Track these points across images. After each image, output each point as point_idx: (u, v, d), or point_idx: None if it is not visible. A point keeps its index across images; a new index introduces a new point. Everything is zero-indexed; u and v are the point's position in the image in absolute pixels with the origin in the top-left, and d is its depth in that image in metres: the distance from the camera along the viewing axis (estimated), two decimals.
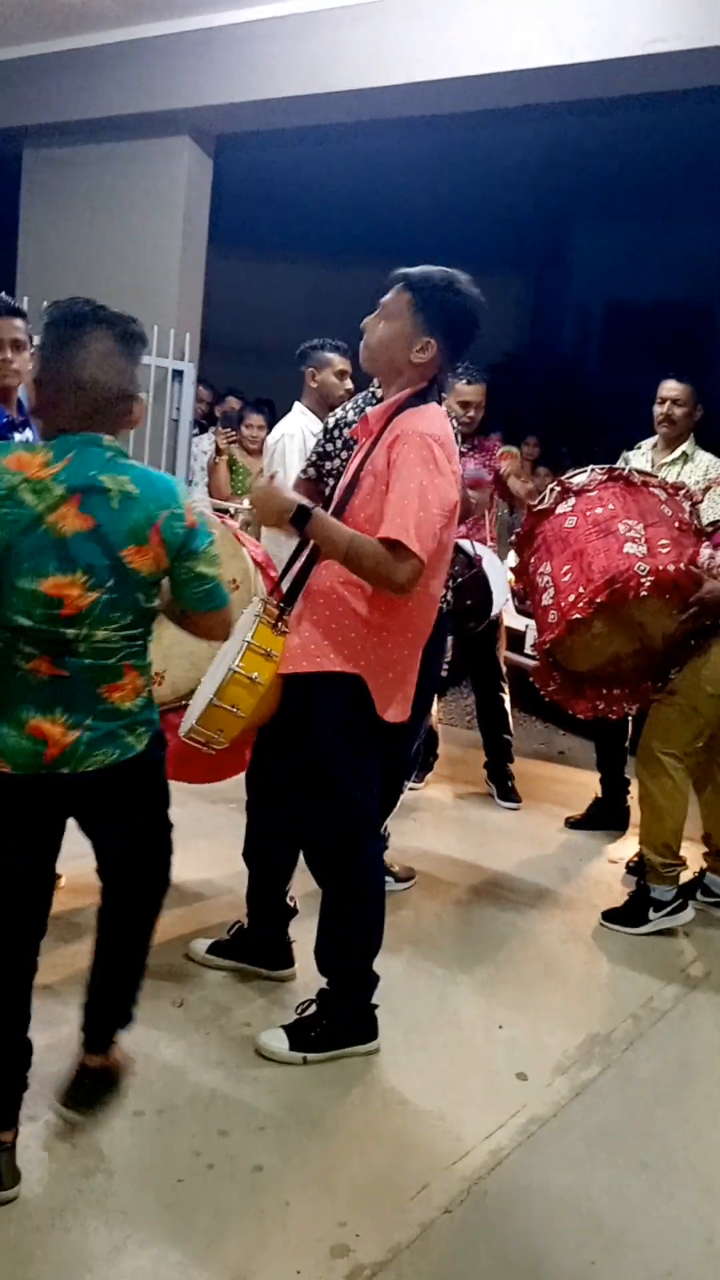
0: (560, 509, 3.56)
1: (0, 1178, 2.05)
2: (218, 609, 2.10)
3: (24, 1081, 2.12)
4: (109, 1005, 2.24)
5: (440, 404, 2.64)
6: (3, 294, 3.15)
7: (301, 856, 2.78)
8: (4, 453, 1.92)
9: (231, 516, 4.11)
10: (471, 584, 4.20)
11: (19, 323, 3.04)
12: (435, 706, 4.29)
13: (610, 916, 3.58)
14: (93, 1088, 2.21)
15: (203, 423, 7.46)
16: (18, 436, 3.10)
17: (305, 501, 2.47)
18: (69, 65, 7.12)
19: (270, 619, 2.53)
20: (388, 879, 3.66)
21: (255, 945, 2.97)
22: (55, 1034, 2.54)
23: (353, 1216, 2.11)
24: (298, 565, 2.63)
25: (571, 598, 3.38)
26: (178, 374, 6.83)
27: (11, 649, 1.94)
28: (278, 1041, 2.60)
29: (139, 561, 1.95)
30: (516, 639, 5.85)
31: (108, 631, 1.96)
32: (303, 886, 2.81)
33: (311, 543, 2.54)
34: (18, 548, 1.88)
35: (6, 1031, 2.09)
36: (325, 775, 2.55)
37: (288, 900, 2.97)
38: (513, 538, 4.23)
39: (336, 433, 3.32)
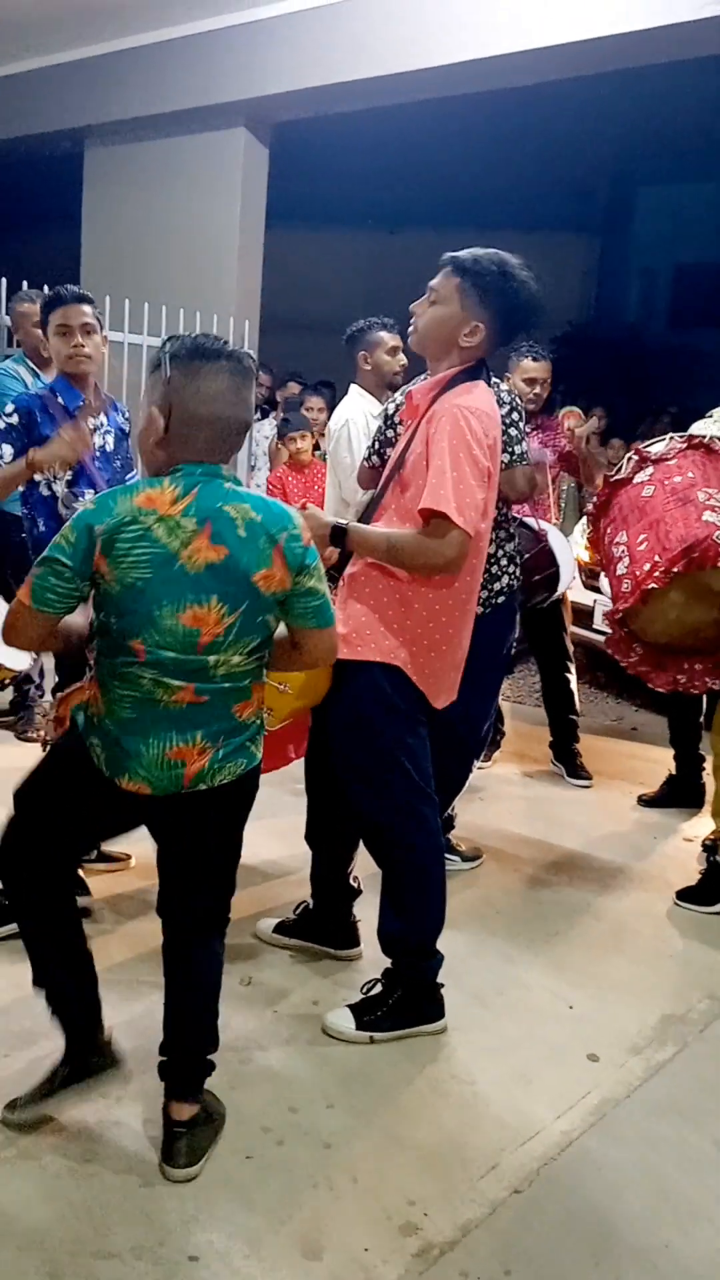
0: (638, 478, 3.49)
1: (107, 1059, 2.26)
2: (328, 625, 2.15)
3: (96, 998, 2.24)
4: (190, 1048, 2.22)
5: (490, 384, 2.62)
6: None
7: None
8: (132, 493, 1.97)
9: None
10: (538, 558, 4.16)
11: (87, 308, 3.10)
12: (503, 684, 4.25)
13: (685, 895, 3.52)
14: (193, 1142, 2.16)
15: (265, 407, 7.48)
16: (91, 421, 3.15)
17: (337, 521, 2.51)
18: (125, 64, 7.19)
19: None
20: (454, 858, 3.66)
21: (321, 925, 2.99)
22: (130, 1011, 2.60)
23: (421, 1194, 2.12)
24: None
25: (647, 566, 3.31)
26: None
27: (157, 684, 1.99)
28: (345, 1021, 2.62)
29: (267, 584, 2.01)
30: (584, 615, 5.77)
31: (241, 656, 2.03)
32: (366, 867, 2.82)
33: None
34: (156, 583, 1.94)
35: (73, 974, 2.21)
36: (378, 755, 2.55)
37: (351, 880, 2.98)
38: (589, 509, 4.17)
39: (396, 419, 3.30)
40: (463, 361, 2.52)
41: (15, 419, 3.07)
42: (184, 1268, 1.90)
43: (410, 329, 2.62)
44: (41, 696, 4.67)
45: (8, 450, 3.06)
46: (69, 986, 2.21)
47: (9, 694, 4.75)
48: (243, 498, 2.02)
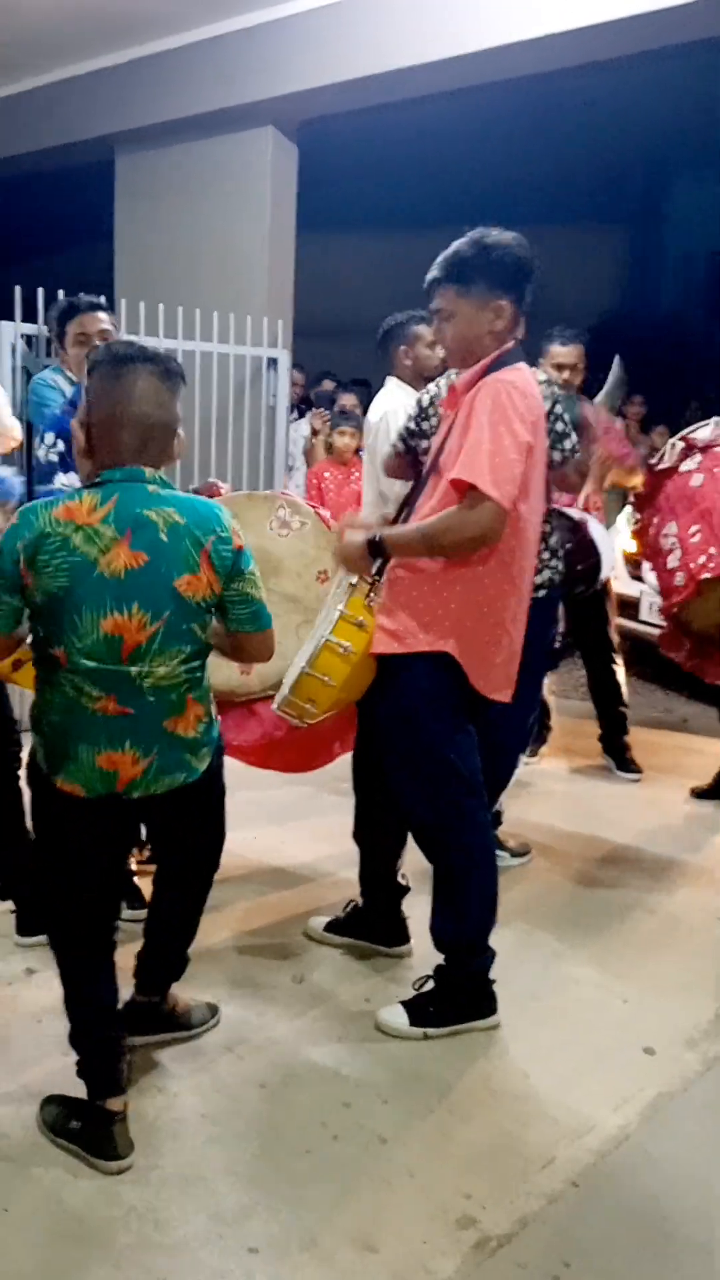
0: (685, 466, 3.46)
1: (115, 1147, 2.11)
2: (263, 630, 2.16)
3: (124, 1051, 2.23)
4: (162, 959, 2.44)
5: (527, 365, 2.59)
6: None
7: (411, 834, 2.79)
8: (51, 506, 1.99)
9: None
10: (577, 548, 4.13)
11: (104, 315, 3.13)
12: (548, 679, 4.24)
13: None
14: (136, 1021, 2.40)
15: (301, 407, 7.51)
16: None
17: (370, 535, 2.51)
18: (151, 70, 7.25)
19: (363, 591, 2.55)
20: (503, 854, 3.65)
21: (371, 922, 3.00)
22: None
23: (478, 1188, 2.12)
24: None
25: (702, 559, 3.28)
26: (272, 362, 6.88)
27: (79, 691, 2.01)
28: (398, 1018, 2.62)
29: (192, 589, 2.00)
30: (630, 606, 5.72)
31: (168, 666, 2.02)
32: (415, 864, 2.82)
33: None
34: (76, 593, 1.95)
35: (103, 1011, 2.20)
36: (426, 751, 2.54)
37: (400, 878, 2.99)
38: (632, 499, 4.12)
39: (432, 410, 3.30)
40: (499, 346, 2.50)
41: (61, 446, 3.08)
42: (243, 1260, 1.92)
43: (443, 355, 2.64)
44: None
45: (74, 477, 3.08)
46: (99, 1045, 2.20)
47: None
48: (167, 501, 2.00)
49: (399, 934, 2.98)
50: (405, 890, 2.99)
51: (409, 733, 2.55)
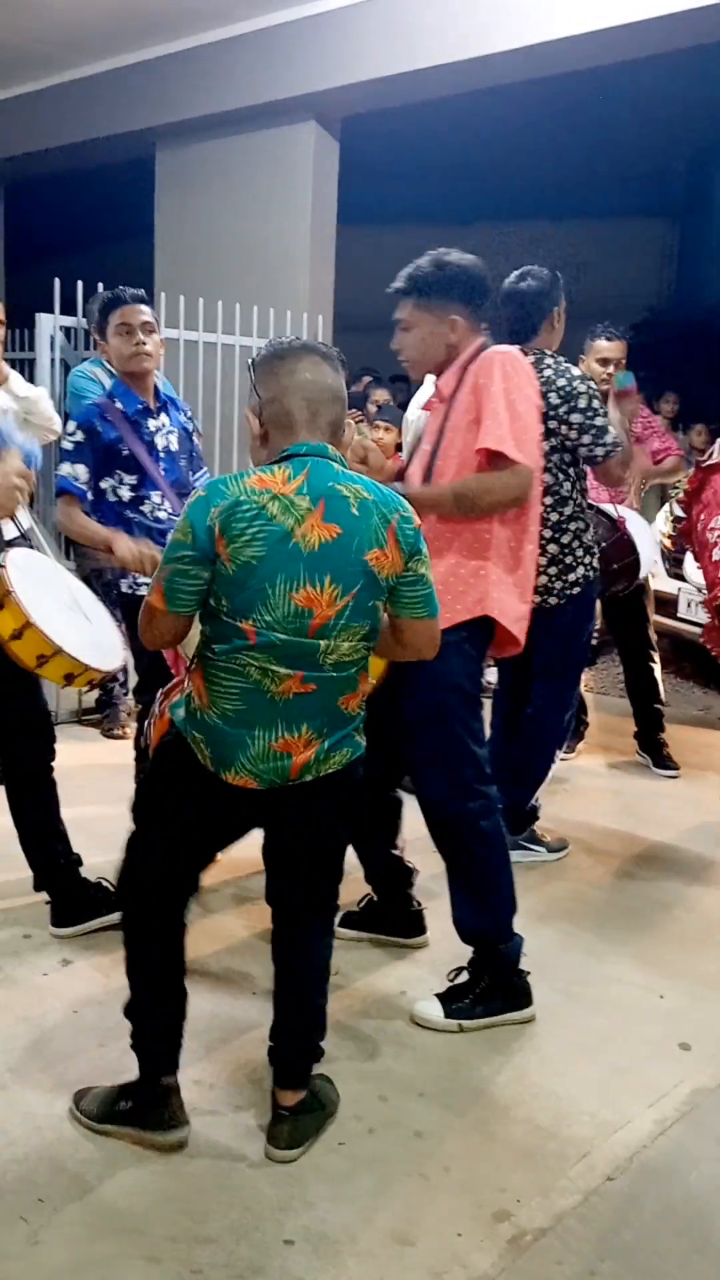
0: None
1: (175, 1118, 2.15)
2: (434, 615, 2.13)
3: (182, 1025, 2.20)
4: (300, 1036, 2.23)
5: (553, 367, 2.62)
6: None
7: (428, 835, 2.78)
8: (242, 478, 1.97)
9: None
10: (617, 546, 4.10)
11: (146, 308, 3.16)
12: (586, 675, 4.21)
13: None
14: (297, 1127, 2.18)
15: None
16: (151, 423, 3.19)
17: (396, 487, 2.52)
18: (193, 63, 7.25)
19: None
20: (539, 849, 3.64)
21: (386, 915, 3.00)
22: (216, 1003, 2.65)
23: (514, 1182, 2.11)
24: None
25: None
26: None
27: (264, 673, 1.97)
28: (433, 1010, 2.62)
29: (380, 565, 1.99)
30: (669, 603, 5.67)
31: (351, 643, 2.01)
32: (433, 866, 2.79)
33: None
34: (271, 562, 1.93)
35: (173, 987, 2.18)
36: (454, 742, 2.59)
37: (405, 862, 2.98)
38: (679, 496, 4.09)
39: (423, 407, 3.30)
40: (452, 357, 2.63)
41: (80, 435, 3.10)
42: (280, 1252, 1.92)
43: (404, 364, 2.74)
44: (126, 694, 4.76)
45: (82, 470, 3.10)
46: (161, 1022, 2.19)
47: (95, 693, 4.85)
48: (355, 479, 2.01)
49: (415, 925, 2.98)
50: (412, 872, 3.00)
51: (440, 722, 2.59)
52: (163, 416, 3.24)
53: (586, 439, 3.33)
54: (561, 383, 3.34)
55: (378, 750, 2.74)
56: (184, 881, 2.18)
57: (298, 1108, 2.19)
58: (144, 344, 3.12)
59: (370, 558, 1.97)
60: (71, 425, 3.16)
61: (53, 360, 5.21)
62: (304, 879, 2.19)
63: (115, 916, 2.94)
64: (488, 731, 3.84)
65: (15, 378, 3.68)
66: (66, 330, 5.35)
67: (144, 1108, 2.16)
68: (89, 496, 3.13)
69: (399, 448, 5.78)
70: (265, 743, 1.99)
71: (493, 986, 2.63)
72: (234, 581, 1.93)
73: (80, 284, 5.22)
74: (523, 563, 2.67)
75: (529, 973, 2.69)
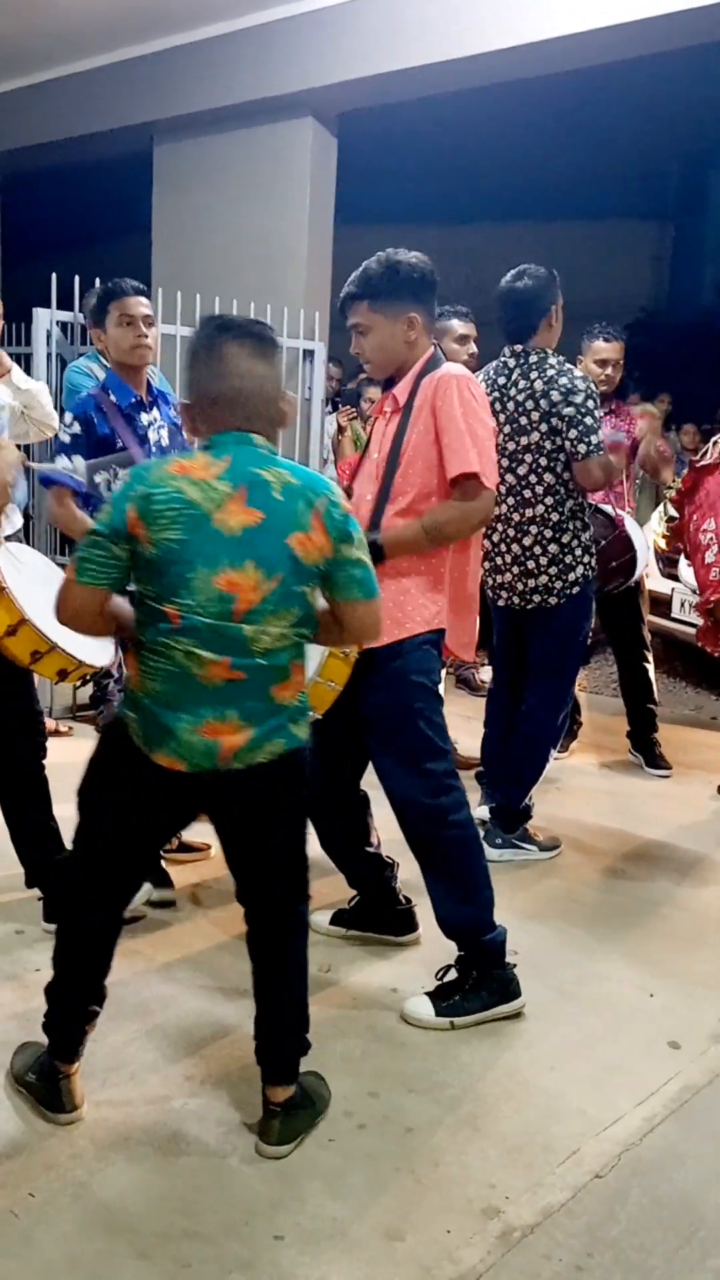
0: None
1: (63, 1103, 2.21)
2: (372, 598, 2.12)
3: (91, 1022, 2.23)
4: (284, 1031, 2.23)
5: (556, 366, 2.63)
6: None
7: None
8: (164, 463, 1.99)
9: None
10: (615, 545, 4.12)
11: (145, 300, 3.16)
12: (580, 674, 4.23)
13: None
14: (287, 1123, 2.19)
15: (336, 400, 7.51)
16: (144, 417, 3.19)
17: (373, 537, 2.56)
18: (191, 58, 7.23)
19: None
20: (532, 847, 3.66)
21: (376, 914, 3.01)
22: (209, 999, 2.65)
23: (503, 1178, 2.12)
24: None
25: None
26: (308, 354, 6.88)
27: (190, 656, 1.98)
28: (424, 1009, 2.63)
29: (305, 549, 1.99)
30: (662, 603, 5.69)
31: (280, 628, 2.01)
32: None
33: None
34: (190, 546, 1.94)
35: (92, 983, 2.21)
36: (422, 737, 2.61)
37: (384, 858, 2.99)
38: (672, 495, 4.11)
39: (370, 413, 3.32)
40: (420, 357, 2.66)
41: (77, 428, 3.09)
42: (270, 1247, 1.93)
43: (365, 367, 2.77)
44: (120, 690, 4.76)
45: (80, 461, 3.10)
46: (79, 1012, 2.22)
47: (89, 689, 4.85)
48: (280, 464, 2.01)
49: (406, 923, 2.99)
50: (393, 865, 3.00)
51: (407, 719, 2.62)
52: (154, 411, 3.24)
53: (573, 433, 3.34)
54: (564, 381, 3.36)
55: (342, 751, 2.77)
56: (121, 869, 2.17)
57: (288, 1104, 2.20)
58: (145, 336, 3.12)
59: (293, 542, 1.98)
60: (69, 417, 3.16)
61: (49, 355, 5.21)
62: (262, 873, 2.19)
63: None
64: (482, 730, 3.89)
65: (16, 371, 3.68)
66: (63, 325, 5.34)
67: (42, 1084, 2.24)
68: (85, 489, 3.13)
69: None
70: (193, 726, 2.00)
71: (481, 980, 2.65)
72: (156, 565, 1.95)
73: (77, 279, 5.22)
74: (470, 577, 2.75)
75: (515, 965, 2.71)
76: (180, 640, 1.97)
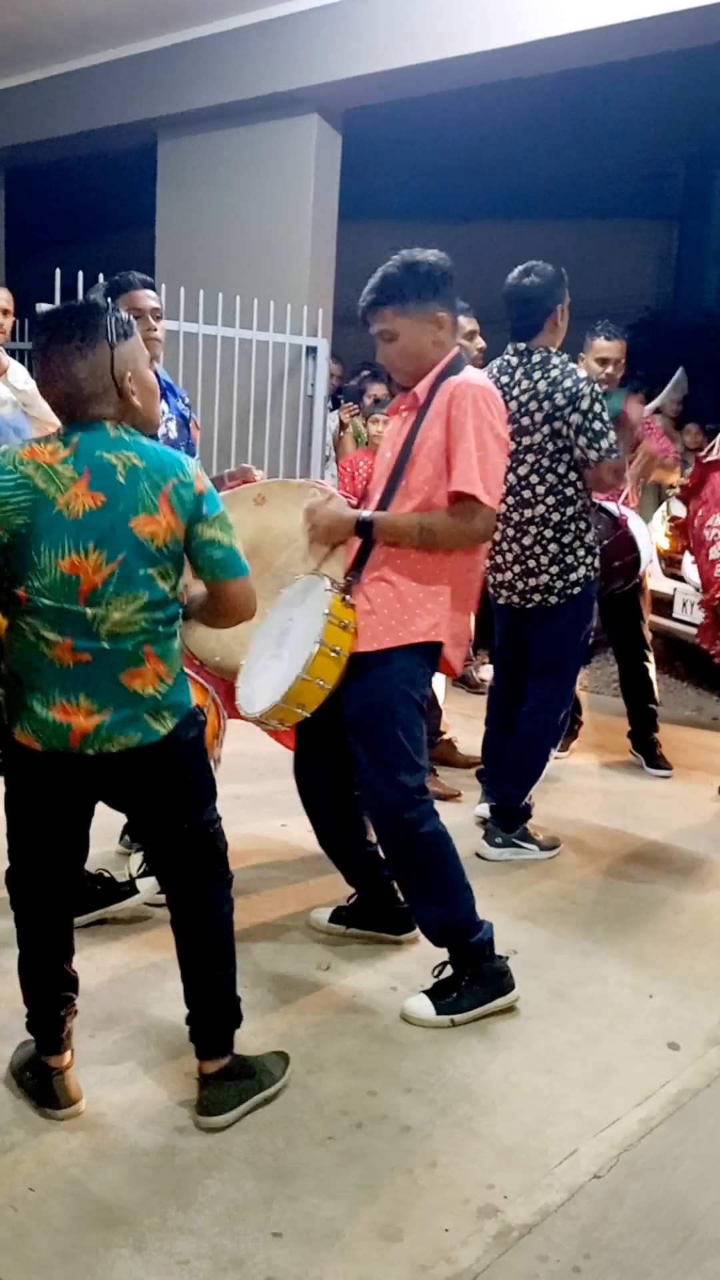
0: None
1: (58, 1099, 2.22)
2: (237, 576, 2.11)
3: (69, 1011, 2.25)
4: (206, 1007, 2.26)
5: (558, 365, 2.62)
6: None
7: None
8: (18, 447, 2.03)
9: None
10: (619, 544, 4.11)
11: (153, 293, 3.16)
12: (581, 674, 4.23)
13: None
14: (215, 1094, 2.23)
15: (337, 397, 7.50)
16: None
17: (361, 514, 2.64)
18: (197, 54, 7.23)
19: (338, 591, 2.62)
20: (532, 847, 3.65)
21: (374, 912, 3.01)
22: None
23: (500, 1178, 2.12)
24: (358, 542, 2.72)
25: None
26: (311, 350, 6.88)
27: (38, 636, 2.02)
28: (423, 1008, 2.62)
29: (148, 530, 2.00)
30: (664, 603, 5.69)
31: (124, 612, 2.01)
32: None
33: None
34: (35, 529, 1.98)
35: (52, 974, 2.23)
36: (399, 743, 2.59)
37: (379, 855, 2.96)
38: (676, 493, 4.11)
39: (385, 413, 3.31)
40: (442, 354, 2.63)
41: None
42: (265, 1245, 1.92)
43: (396, 375, 2.74)
44: None
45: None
46: (51, 1002, 2.24)
47: None
48: (129, 446, 2.02)
49: (402, 922, 2.98)
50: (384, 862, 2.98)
51: (385, 727, 2.60)
52: (162, 403, 3.24)
53: (582, 440, 3.33)
54: (568, 384, 3.34)
55: (339, 750, 2.76)
56: (39, 855, 2.18)
57: (218, 1074, 2.22)
58: (154, 329, 3.12)
59: (136, 524, 1.99)
60: None
61: None
62: (159, 852, 2.25)
63: (116, 908, 2.97)
64: (483, 728, 3.88)
65: (16, 369, 3.68)
66: None
67: (35, 1081, 2.26)
68: None
69: None
70: (45, 705, 2.04)
71: (475, 975, 2.65)
72: (6, 548, 1.99)
73: (81, 274, 5.22)
74: (472, 587, 2.74)
75: (507, 957, 2.71)
76: (29, 621, 2.02)
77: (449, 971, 2.67)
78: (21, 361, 4.14)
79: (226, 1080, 2.24)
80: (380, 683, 2.60)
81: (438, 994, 2.64)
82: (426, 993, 2.65)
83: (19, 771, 2.14)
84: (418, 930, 2.97)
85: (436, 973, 2.69)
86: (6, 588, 2.04)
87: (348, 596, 2.63)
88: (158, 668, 2.09)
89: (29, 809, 2.16)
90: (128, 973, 2.75)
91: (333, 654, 2.55)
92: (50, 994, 2.23)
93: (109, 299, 3.23)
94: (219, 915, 2.25)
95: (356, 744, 2.67)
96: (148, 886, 3.01)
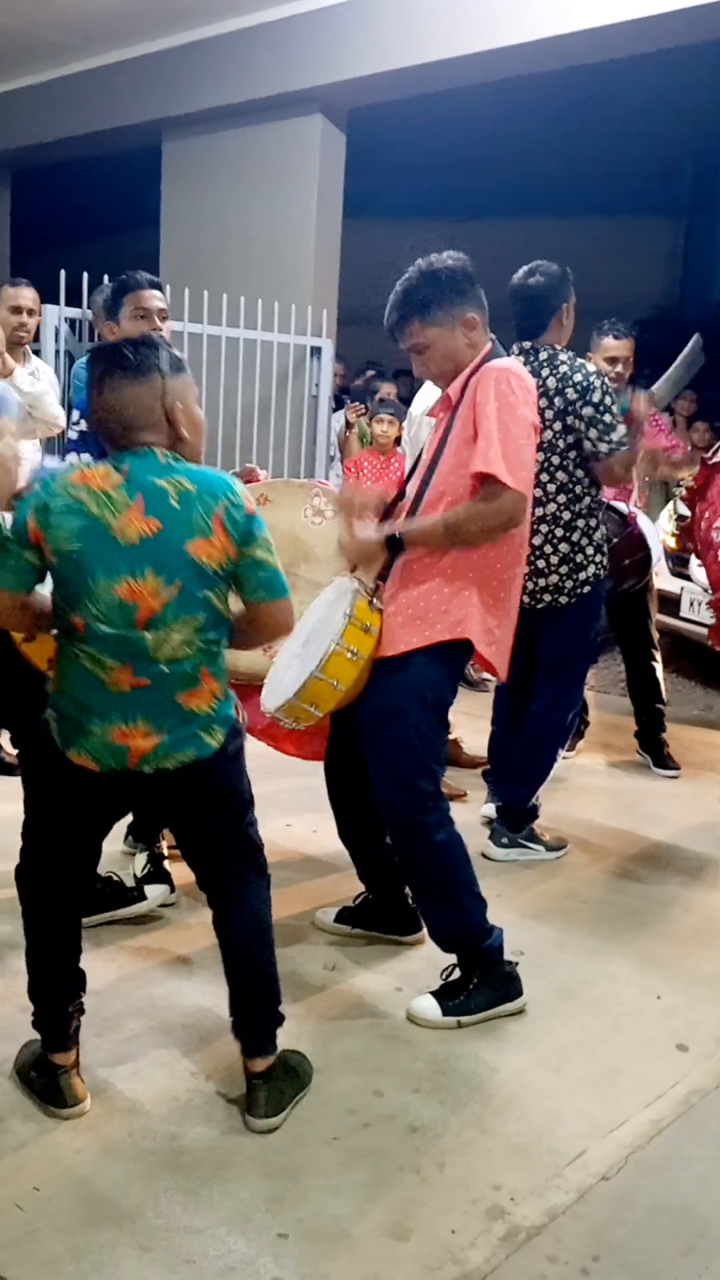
0: None
1: (64, 1098, 2.21)
2: (278, 597, 2.14)
3: (76, 1008, 2.26)
4: (254, 1004, 2.27)
5: (568, 361, 2.58)
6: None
7: None
8: (67, 472, 2.05)
9: None
10: (628, 543, 4.10)
11: (159, 294, 3.16)
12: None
13: None
14: (269, 1094, 2.22)
15: (342, 397, 7.50)
16: None
17: (387, 531, 2.58)
18: (201, 55, 7.24)
19: (366, 594, 2.59)
20: (538, 847, 3.64)
21: (381, 913, 3.00)
22: (216, 994, 2.65)
23: (508, 1179, 2.11)
24: None
25: None
26: (315, 351, 6.88)
27: (96, 663, 2.04)
28: (430, 1008, 2.62)
29: (204, 553, 2.02)
30: (671, 602, 5.67)
31: (183, 634, 2.04)
32: None
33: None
34: (90, 555, 1.99)
35: (62, 973, 2.25)
36: (415, 749, 2.57)
37: (394, 856, 2.97)
38: (682, 494, 4.09)
39: (428, 414, 3.29)
40: (478, 355, 2.59)
41: (85, 425, 3.11)
42: (272, 1244, 1.92)
43: (435, 382, 2.70)
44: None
45: (88, 459, 3.10)
46: (60, 999, 2.26)
47: None
48: (179, 471, 2.04)
49: (410, 922, 2.97)
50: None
51: (400, 731, 2.56)
52: None
53: (593, 433, 3.32)
54: (578, 378, 3.33)
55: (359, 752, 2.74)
56: (61, 858, 2.21)
57: (269, 1073, 2.23)
58: (160, 330, 3.12)
59: (192, 548, 2.01)
60: (76, 414, 3.16)
61: (57, 351, 5.21)
62: (202, 858, 2.27)
63: (123, 911, 2.97)
64: (489, 728, 3.87)
65: (21, 374, 3.69)
66: (71, 322, 5.34)
67: (42, 1080, 2.26)
68: None
69: (399, 440, 5.79)
70: (104, 730, 2.05)
71: (484, 979, 2.64)
72: (60, 575, 2.02)
73: (86, 274, 5.22)
74: (509, 587, 2.63)
75: (517, 963, 2.70)
76: (86, 648, 2.04)
77: (458, 974, 2.67)
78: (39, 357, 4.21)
79: (276, 1079, 2.24)
80: (396, 688, 2.56)
81: (445, 995, 2.63)
82: (433, 993, 2.65)
83: (62, 785, 2.14)
84: (423, 933, 2.96)
85: (445, 974, 2.68)
86: (63, 617, 2.05)
87: (375, 600, 2.59)
88: (212, 686, 2.13)
89: (61, 816, 2.18)
90: (134, 972, 2.75)
91: (350, 655, 2.51)
92: (58, 991, 2.24)
93: (113, 298, 3.24)
94: (262, 912, 2.28)
95: (370, 748, 2.63)
96: (155, 894, 3.01)
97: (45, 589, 2.13)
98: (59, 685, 2.11)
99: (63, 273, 5.22)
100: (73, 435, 3.13)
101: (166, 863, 3.14)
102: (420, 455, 2.76)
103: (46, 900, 2.23)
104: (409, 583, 2.58)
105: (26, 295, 4.26)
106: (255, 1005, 2.26)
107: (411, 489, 2.68)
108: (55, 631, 2.12)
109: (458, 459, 2.53)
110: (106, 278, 5.25)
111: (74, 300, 5.28)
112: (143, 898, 3.01)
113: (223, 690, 2.17)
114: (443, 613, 2.55)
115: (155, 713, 2.06)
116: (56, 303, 5.23)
